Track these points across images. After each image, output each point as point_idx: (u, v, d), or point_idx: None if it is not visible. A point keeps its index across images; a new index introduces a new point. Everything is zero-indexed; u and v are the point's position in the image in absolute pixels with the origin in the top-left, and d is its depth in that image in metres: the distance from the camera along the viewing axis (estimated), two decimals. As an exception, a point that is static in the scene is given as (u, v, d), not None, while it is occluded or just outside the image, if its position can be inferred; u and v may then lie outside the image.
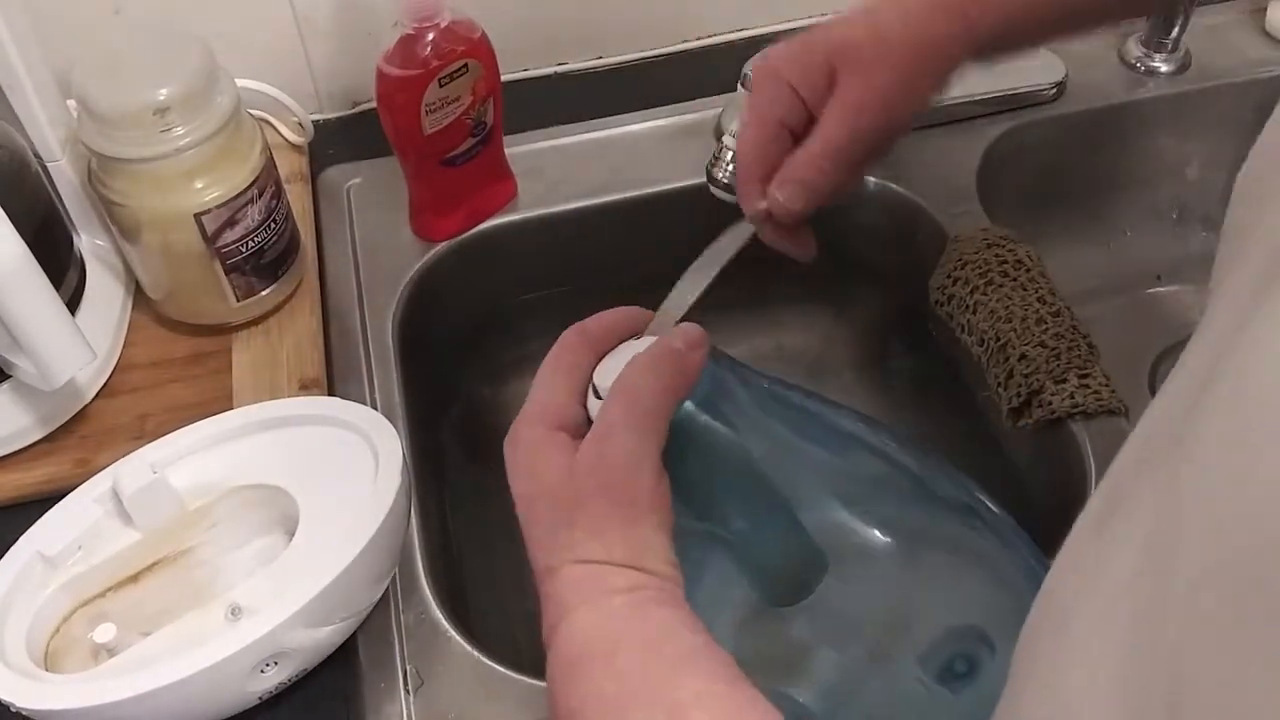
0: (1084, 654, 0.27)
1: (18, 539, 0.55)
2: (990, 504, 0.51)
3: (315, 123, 0.84)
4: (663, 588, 0.41)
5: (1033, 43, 0.59)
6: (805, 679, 0.46)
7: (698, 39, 0.91)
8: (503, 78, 0.73)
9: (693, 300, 0.50)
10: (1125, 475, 0.29)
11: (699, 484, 0.46)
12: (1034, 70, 0.84)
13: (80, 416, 0.67)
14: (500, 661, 0.58)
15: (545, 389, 0.46)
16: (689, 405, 0.45)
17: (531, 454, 0.44)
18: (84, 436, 0.67)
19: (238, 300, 0.70)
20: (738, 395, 0.47)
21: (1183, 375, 0.29)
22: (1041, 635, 0.30)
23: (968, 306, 0.73)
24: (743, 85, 0.70)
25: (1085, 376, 0.67)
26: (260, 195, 0.67)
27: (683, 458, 0.44)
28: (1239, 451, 0.23)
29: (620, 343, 0.48)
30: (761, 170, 0.54)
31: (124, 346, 0.71)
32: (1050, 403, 0.66)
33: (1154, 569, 0.25)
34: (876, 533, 0.48)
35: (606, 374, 0.46)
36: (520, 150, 0.81)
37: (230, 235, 0.67)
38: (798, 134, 0.53)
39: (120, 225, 0.67)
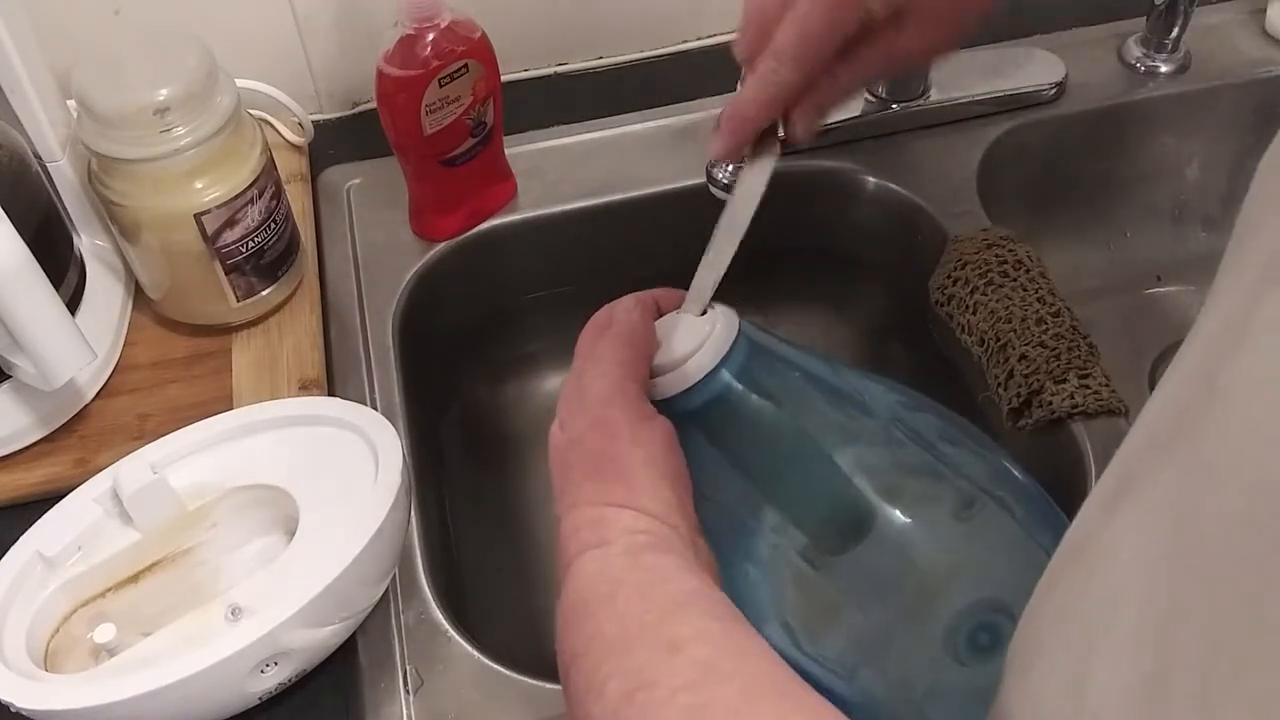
0: (1101, 623, 0.27)
1: (18, 539, 0.55)
2: (1023, 477, 0.51)
3: (315, 123, 0.84)
4: (660, 533, 0.42)
5: None
6: (830, 635, 0.47)
7: (698, 39, 0.91)
8: (503, 78, 0.73)
9: (723, 270, 0.51)
10: (1137, 453, 0.29)
11: (743, 453, 0.48)
12: (1034, 70, 0.84)
13: (80, 416, 0.67)
14: (500, 661, 0.58)
15: (597, 349, 0.48)
16: (726, 376, 0.47)
17: (569, 402, 0.47)
18: (84, 436, 0.67)
19: (238, 300, 0.70)
20: (773, 364, 0.49)
21: (1197, 346, 0.29)
22: (1046, 616, 0.31)
23: (968, 306, 0.73)
24: (742, 85, 0.70)
25: (1085, 376, 0.67)
26: (260, 195, 0.67)
27: (724, 428, 0.46)
28: (1270, 390, 0.23)
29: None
30: (802, 70, 0.52)
31: (124, 346, 0.71)
32: (1050, 403, 0.66)
33: (1180, 525, 0.25)
34: (913, 499, 0.49)
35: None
36: (520, 150, 0.81)
37: (230, 235, 0.67)
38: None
39: (120, 225, 0.67)
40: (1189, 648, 0.24)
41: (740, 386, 0.48)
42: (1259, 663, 0.22)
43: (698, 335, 0.48)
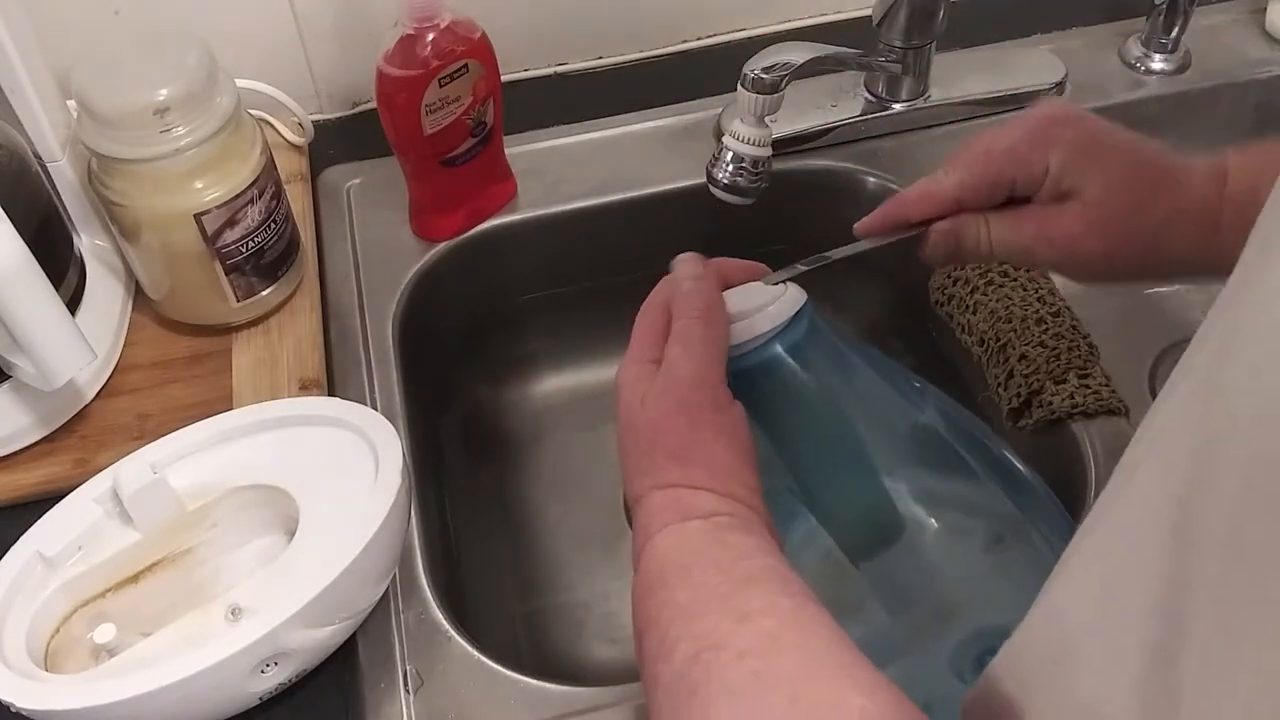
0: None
1: (18, 539, 0.55)
2: (1058, 511, 0.52)
3: (315, 123, 0.84)
4: (740, 513, 0.43)
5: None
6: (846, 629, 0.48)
7: (698, 39, 0.91)
8: (503, 78, 0.73)
9: (819, 264, 0.52)
10: (1142, 444, 0.30)
11: (781, 433, 0.48)
12: (1034, 70, 0.84)
13: (80, 416, 0.67)
14: (500, 661, 0.58)
15: (638, 329, 0.49)
16: (779, 347, 0.48)
17: (624, 390, 0.47)
18: (84, 436, 0.67)
19: (238, 300, 0.70)
20: (829, 353, 0.49)
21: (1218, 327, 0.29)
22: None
23: (968, 306, 0.73)
24: (742, 85, 0.70)
25: (1085, 376, 0.67)
26: (260, 195, 0.67)
27: (768, 403, 0.47)
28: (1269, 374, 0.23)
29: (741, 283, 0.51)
30: (963, 196, 0.52)
31: (124, 346, 0.71)
32: (1050, 403, 0.66)
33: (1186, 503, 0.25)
34: (947, 526, 0.49)
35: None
36: (520, 150, 0.81)
37: (230, 235, 0.67)
38: (1010, 194, 0.52)
39: (120, 225, 0.67)
40: (1196, 625, 0.24)
41: (792, 362, 0.48)
42: (1268, 640, 0.22)
43: (761, 300, 0.49)
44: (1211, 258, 0.49)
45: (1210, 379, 0.26)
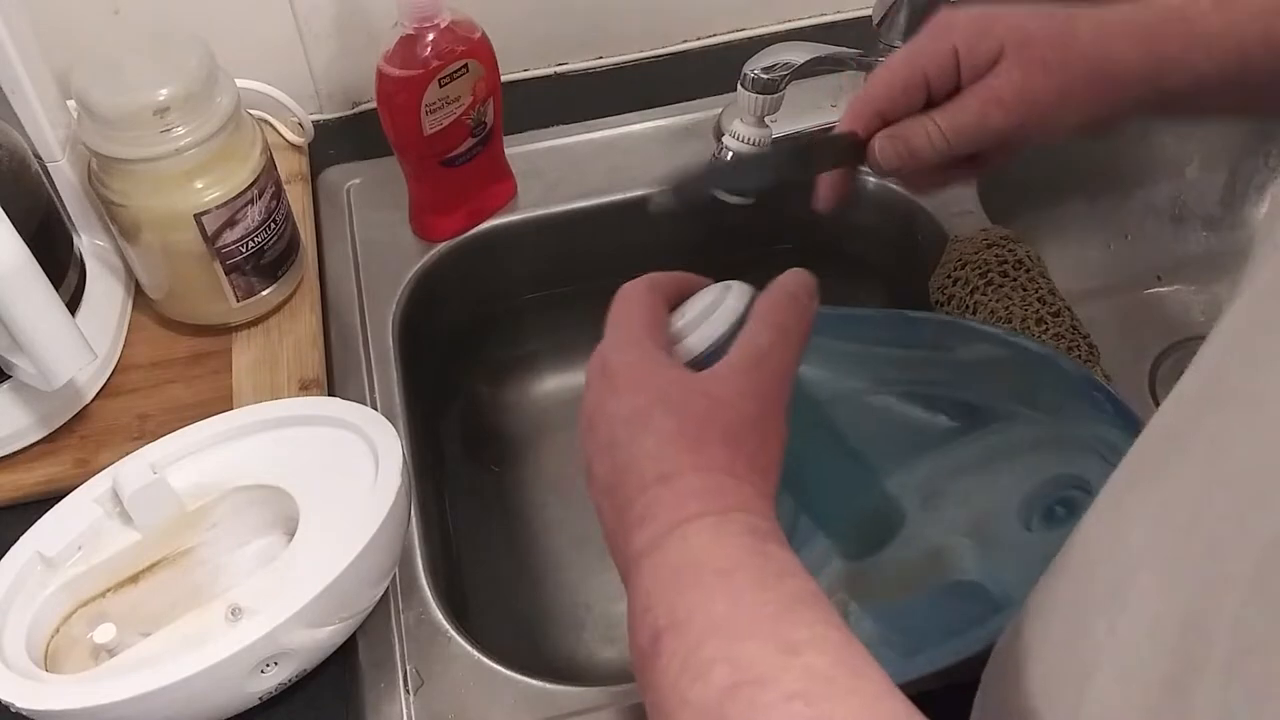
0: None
1: (18, 539, 0.55)
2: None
3: (315, 123, 0.84)
4: (775, 525, 0.39)
5: (1217, 111, 0.54)
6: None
7: (698, 39, 0.91)
8: (503, 78, 0.73)
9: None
10: (1147, 450, 0.30)
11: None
12: (1034, 70, 0.84)
13: (80, 416, 0.67)
14: (500, 661, 0.58)
15: (628, 319, 0.45)
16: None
17: (639, 368, 0.43)
18: (84, 436, 0.67)
19: (238, 300, 0.70)
20: (817, 342, 0.47)
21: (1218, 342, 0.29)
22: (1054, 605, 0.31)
23: (967, 307, 0.73)
24: (742, 85, 0.70)
25: (1085, 376, 0.67)
26: (260, 195, 0.67)
27: None
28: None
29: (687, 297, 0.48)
30: (879, 105, 0.51)
31: (124, 346, 0.71)
32: (1050, 403, 0.66)
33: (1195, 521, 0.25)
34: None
35: (684, 318, 0.46)
36: (520, 150, 0.81)
37: (230, 235, 0.67)
38: (935, 94, 0.51)
39: (120, 225, 0.67)
40: (1212, 643, 0.24)
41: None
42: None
43: (712, 297, 0.46)
44: (1162, 57, 0.48)
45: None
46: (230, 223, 0.66)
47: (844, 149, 0.52)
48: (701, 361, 0.44)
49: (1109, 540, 0.31)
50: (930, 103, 0.51)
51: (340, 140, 0.85)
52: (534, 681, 0.57)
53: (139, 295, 0.73)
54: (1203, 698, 0.24)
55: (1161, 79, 0.48)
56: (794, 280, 0.45)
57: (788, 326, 0.43)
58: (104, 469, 0.57)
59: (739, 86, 0.70)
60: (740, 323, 0.44)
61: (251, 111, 0.71)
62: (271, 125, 0.82)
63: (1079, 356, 0.68)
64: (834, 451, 0.48)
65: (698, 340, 0.44)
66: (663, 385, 0.42)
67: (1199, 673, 0.24)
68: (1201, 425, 0.27)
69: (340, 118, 0.87)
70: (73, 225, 0.71)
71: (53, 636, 0.55)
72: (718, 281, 0.48)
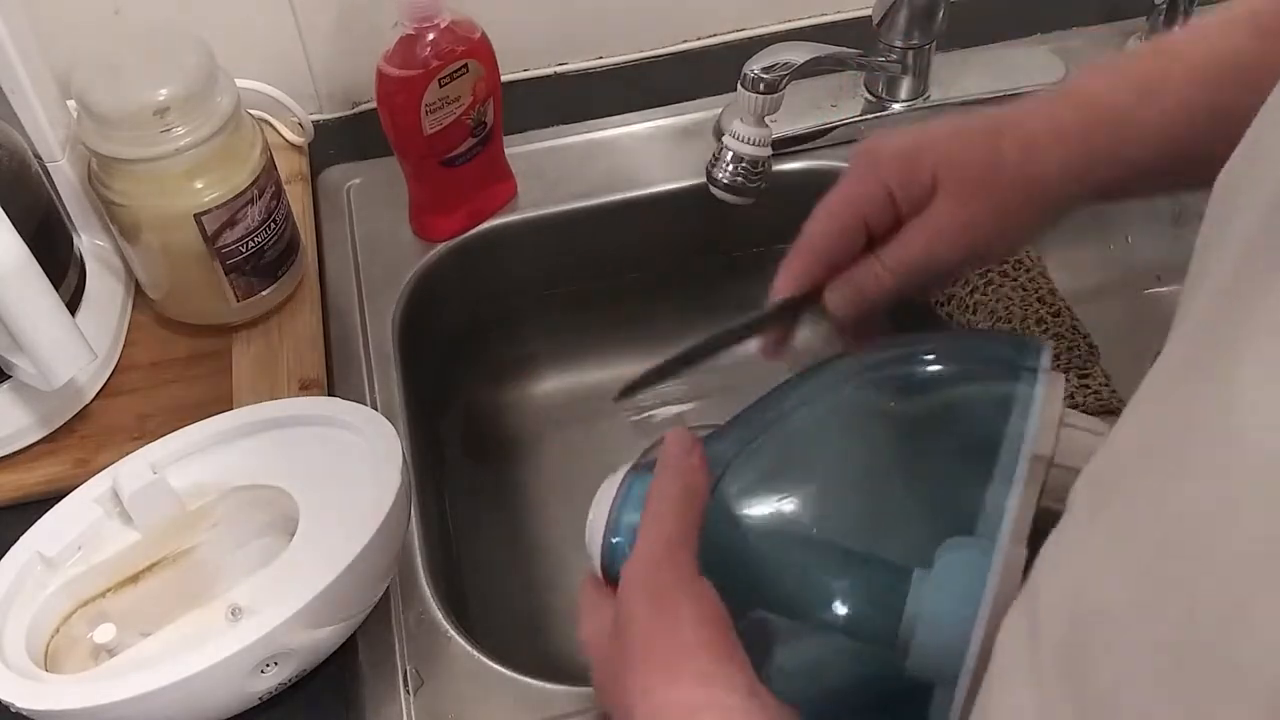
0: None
1: (18, 539, 0.55)
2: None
3: (315, 123, 0.84)
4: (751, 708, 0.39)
5: (1152, 191, 0.53)
6: None
7: (698, 39, 0.91)
8: (503, 78, 0.73)
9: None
10: (1104, 473, 0.29)
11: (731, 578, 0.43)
12: (1034, 70, 0.84)
13: (80, 416, 0.67)
14: (500, 661, 0.58)
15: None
16: (620, 541, 0.45)
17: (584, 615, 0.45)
18: (84, 436, 0.67)
19: (238, 300, 0.70)
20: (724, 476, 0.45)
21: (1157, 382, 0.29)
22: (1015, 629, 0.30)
23: (967, 306, 0.73)
24: (742, 85, 0.70)
25: (1085, 376, 0.67)
26: (260, 195, 0.67)
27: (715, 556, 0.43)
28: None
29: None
30: (819, 258, 0.51)
31: (124, 346, 0.71)
32: (1050, 403, 0.66)
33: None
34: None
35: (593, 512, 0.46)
36: (520, 150, 0.81)
37: (230, 235, 0.67)
38: (875, 231, 0.51)
39: (120, 225, 0.67)
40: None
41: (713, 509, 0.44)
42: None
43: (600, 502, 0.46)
44: (1092, 152, 0.48)
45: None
46: (230, 223, 0.66)
47: (794, 306, 0.52)
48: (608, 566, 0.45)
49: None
50: (871, 238, 0.50)
51: (340, 140, 0.85)
52: (534, 681, 0.57)
53: (139, 295, 0.73)
54: None
55: (1094, 172, 0.48)
56: (671, 450, 0.45)
57: (653, 512, 0.43)
58: (104, 469, 0.57)
59: (739, 86, 0.70)
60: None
61: (251, 111, 0.71)
62: (271, 125, 0.82)
63: (1079, 356, 0.68)
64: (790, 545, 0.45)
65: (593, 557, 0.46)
66: (601, 650, 0.43)
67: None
68: (1135, 481, 0.27)
69: (340, 118, 0.87)
70: (73, 225, 0.71)
71: (53, 636, 0.55)
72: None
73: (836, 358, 0.51)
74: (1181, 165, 0.47)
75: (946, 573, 0.39)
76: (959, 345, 0.52)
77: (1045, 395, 0.43)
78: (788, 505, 0.45)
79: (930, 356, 0.49)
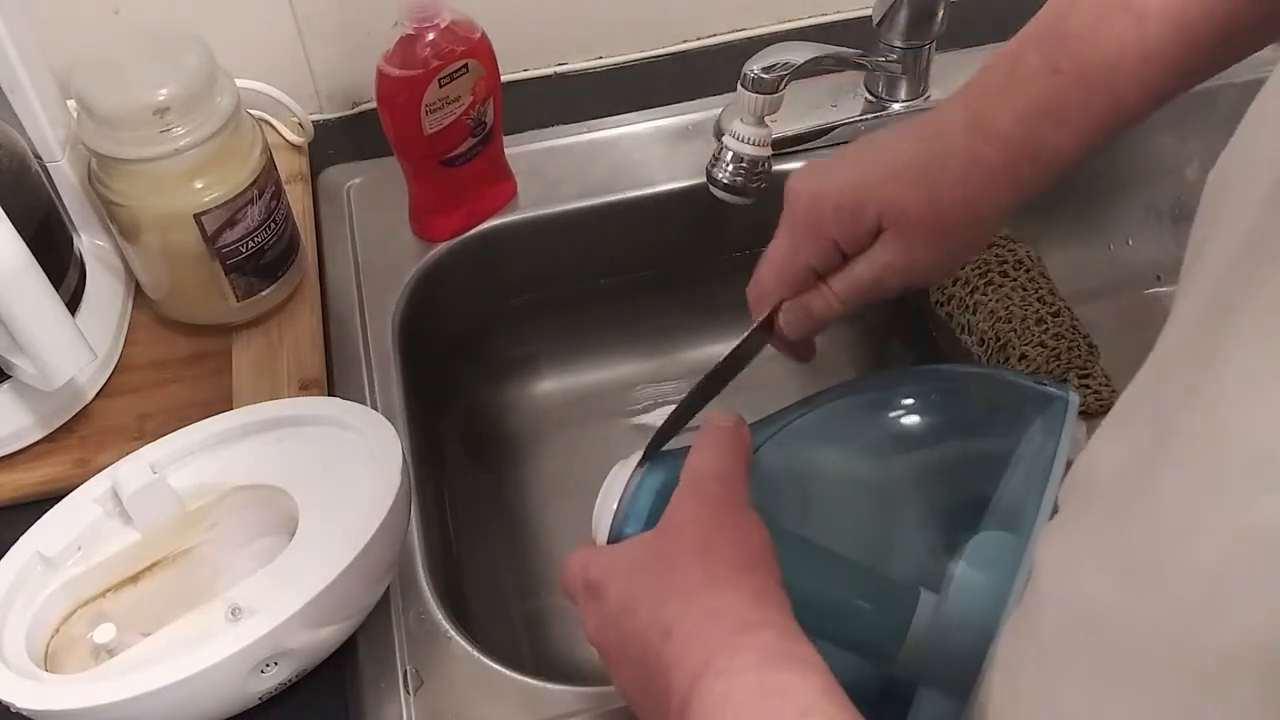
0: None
1: (18, 539, 0.55)
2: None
3: (315, 123, 0.84)
4: (781, 628, 0.40)
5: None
6: None
7: (698, 39, 0.91)
8: (503, 78, 0.73)
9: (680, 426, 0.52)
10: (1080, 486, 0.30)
11: None
12: (1034, 70, 0.84)
13: (80, 416, 0.67)
14: (500, 661, 0.58)
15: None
16: (630, 531, 0.47)
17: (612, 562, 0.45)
18: (84, 436, 0.67)
19: (238, 300, 0.70)
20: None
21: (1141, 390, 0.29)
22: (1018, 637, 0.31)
23: (967, 306, 0.73)
24: (742, 85, 0.70)
25: (1085, 376, 0.67)
26: (260, 195, 0.67)
27: None
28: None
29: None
30: (777, 291, 0.55)
31: (124, 346, 0.71)
32: (1050, 403, 0.66)
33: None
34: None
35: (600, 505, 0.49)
36: (520, 150, 0.81)
37: (230, 235, 0.67)
38: (824, 273, 0.55)
39: (120, 225, 0.67)
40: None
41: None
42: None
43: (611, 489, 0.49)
44: (1017, 186, 0.51)
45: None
46: (230, 223, 0.66)
47: (754, 342, 0.56)
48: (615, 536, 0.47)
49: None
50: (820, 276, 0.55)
51: (340, 140, 0.85)
52: (534, 681, 0.57)
53: (139, 295, 0.73)
54: None
55: (1023, 193, 0.51)
56: (716, 416, 0.48)
57: (702, 446, 0.46)
58: (104, 469, 0.57)
59: (739, 86, 0.70)
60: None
61: (251, 111, 0.71)
62: (271, 125, 0.82)
63: (1079, 356, 0.68)
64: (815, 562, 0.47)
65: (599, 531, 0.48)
66: (633, 560, 0.44)
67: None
68: (1123, 477, 0.28)
69: (340, 118, 0.87)
70: (73, 225, 0.71)
71: (53, 636, 0.55)
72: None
73: (846, 386, 0.54)
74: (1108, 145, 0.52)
75: (978, 553, 0.41)
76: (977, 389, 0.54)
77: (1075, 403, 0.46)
78: (797, 517, 0.46)
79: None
